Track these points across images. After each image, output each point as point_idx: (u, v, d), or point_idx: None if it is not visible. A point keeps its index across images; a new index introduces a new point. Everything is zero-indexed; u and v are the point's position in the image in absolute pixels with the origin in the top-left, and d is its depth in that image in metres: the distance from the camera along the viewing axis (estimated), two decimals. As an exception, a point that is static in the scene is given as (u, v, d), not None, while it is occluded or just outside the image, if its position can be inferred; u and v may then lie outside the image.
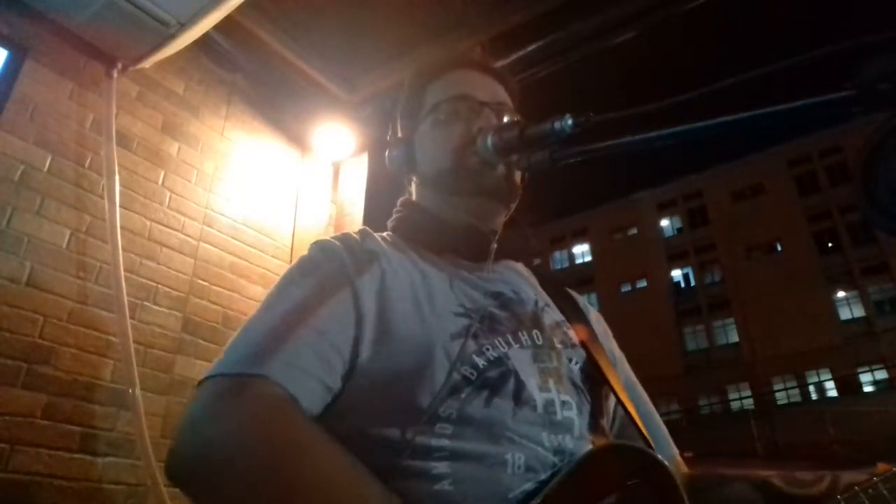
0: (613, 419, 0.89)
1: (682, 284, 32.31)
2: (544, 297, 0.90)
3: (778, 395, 25.21)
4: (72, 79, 2.04)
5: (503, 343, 0.76)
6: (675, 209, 33.75)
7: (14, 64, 1.90)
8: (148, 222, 2.14)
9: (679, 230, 33.37)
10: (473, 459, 0.66)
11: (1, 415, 1.64)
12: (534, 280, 0.95)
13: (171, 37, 1.99)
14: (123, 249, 2.00)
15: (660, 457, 0.69)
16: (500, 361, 0.73)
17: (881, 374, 23.40)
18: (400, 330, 0.72)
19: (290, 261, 2.57)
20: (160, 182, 2.22)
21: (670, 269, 32.69)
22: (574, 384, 0.80)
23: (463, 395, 0.69)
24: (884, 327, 24.99)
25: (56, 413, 1.75)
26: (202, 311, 2.23)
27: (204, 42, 2.21)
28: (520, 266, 0.95)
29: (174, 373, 2.08)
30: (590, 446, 0.75)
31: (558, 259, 36.87)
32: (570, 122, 0.70)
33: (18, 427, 1.67)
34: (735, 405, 26.51)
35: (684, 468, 0.86)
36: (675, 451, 0.88)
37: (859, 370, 23.97)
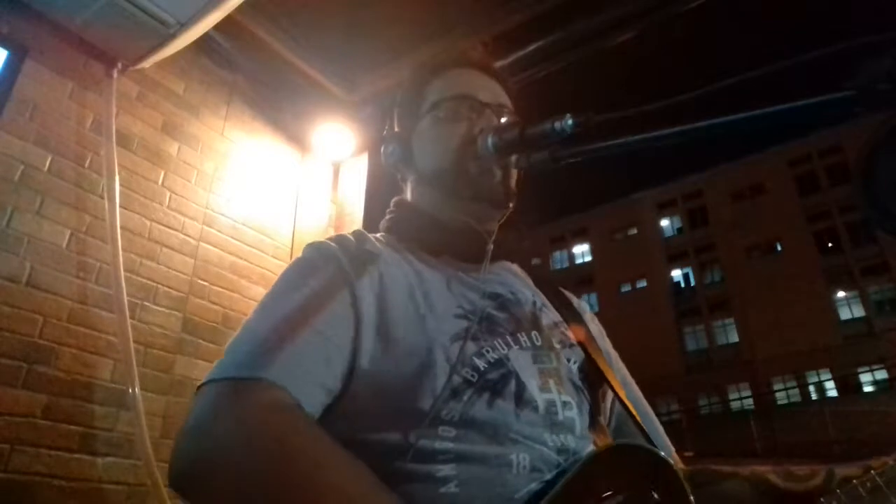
0: (610, 417, 0.89)
1: (682, 284, 32.31)
2: (541, 298, 0.90)
3: (778, 395, 25.21)
4: (72, 79, 2.04)
5: (503, 344, 0.76)
6: (675, 209, 33.74)
7: (14, 64, 1.90)
8: (148, 222, 2.14)
9: (679, 230, 33.37)
10: (478, 461, 0.66)
11: (1, 415, 1.64)
12: (529, 280, 0.95)
13: (171, 37, 1.99)
14: (123, 249, 2.00)
15: (665, 455, 0.69)
16: (500, 363, 0.73)
17: (881, 374, 23.39)
18: (399, 332, 0.71)
19: (290, 261, 2.56)
20: (160, 182, 2.22)
21: (670, 269, 32.68)
22: (574, 384, 0.80)
23: (465, 398, 0.69)
24: (884, 327, 24.99)
25: (56, 413, 1.75)
26: (202, 311, 2.23)
27: (204, 42, 2.21)
28: (515, 266, 0.95)
29: (174, 373, 2.08)
30: (591, 445, 0.75)
31: (558, 259, 36.86)
32: (570, 121, 0.70)
33: (18, 427, 1.67)
34: (735, 405, 26.50)
35: (681, 464, 0.86)
36: (672, 448, 0.88)
37: (859, 370, 23.98)
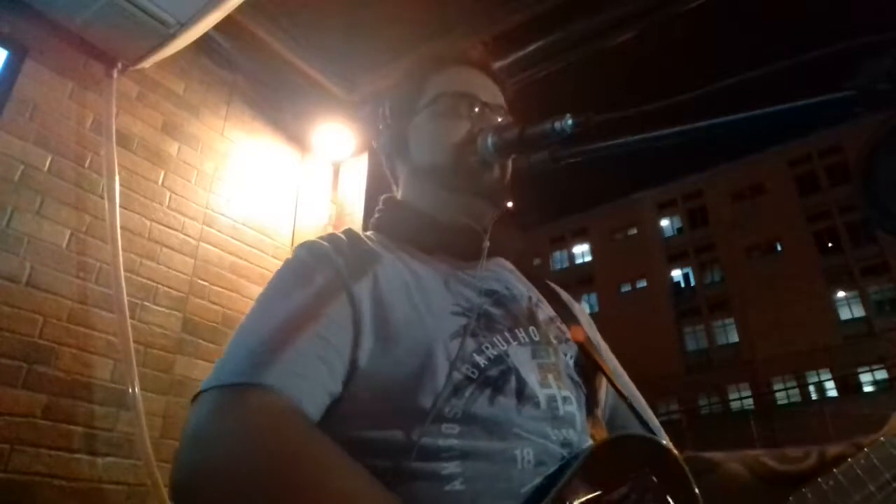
0: (605, 409, 0.90)
1: (682, 284, 32.32)
2: (536, 294, 0.91)
3: (778, 395, 25.22)
4: (72, 79, 2.04)
5: (502, 341, 0.76)
6: (675, 209, 33.75)
7: (14, 64, 1.90)
8: (148, 222, 2.14)
9: (679, 230, 33.37)
10: (483, 457, 0.66)
11: (1, 415, 1.64)
12: (522, 276, 0.94)
13: (171, 37, 1.99)
14: (123, 249, 2.00)
15: (667, 443, 0.70)
16: (500, 359, 0.73)
17: (881, 374, 23.40)
18: (398, 331, 0.71)
19: (290, 261, 2.56)
20: (160, 182, 2.22)
21: (670, 269, 32.69)
22: (572, 379, 0.80)
23: (466, 394, 0.69)
24: (884, 327, 24.99)
25: (56, 413, 1.75)
26: (202, 311, 2.23)
27: (204, 42, 2.21)
28: (508, 263, 0.94)
29: (174, 373, 2.08)
30: (590, 439, 0.76)
31: (558, 259, 36.88)
32: (570, 121, 0.70)
33: (18, 427, 1.67)
34: (735, 405, 26.51)
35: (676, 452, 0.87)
36: (666, 437, 0.89)
37: (859, 370, 23.98)
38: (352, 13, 2.44)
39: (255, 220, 2.54)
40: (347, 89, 2.77)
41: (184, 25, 1.96)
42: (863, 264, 26.75)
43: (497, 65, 1.00)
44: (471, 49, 0.97)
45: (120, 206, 2.02)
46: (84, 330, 1.88)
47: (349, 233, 0.84)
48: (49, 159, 1.92)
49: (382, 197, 0.96)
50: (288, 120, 2.80)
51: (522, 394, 0.72)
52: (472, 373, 0.71)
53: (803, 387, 25.57)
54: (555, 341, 0.82)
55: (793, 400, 24.83)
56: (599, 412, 0.85)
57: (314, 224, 2.76)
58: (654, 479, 0.67)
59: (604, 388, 0.88)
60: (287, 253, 2.62)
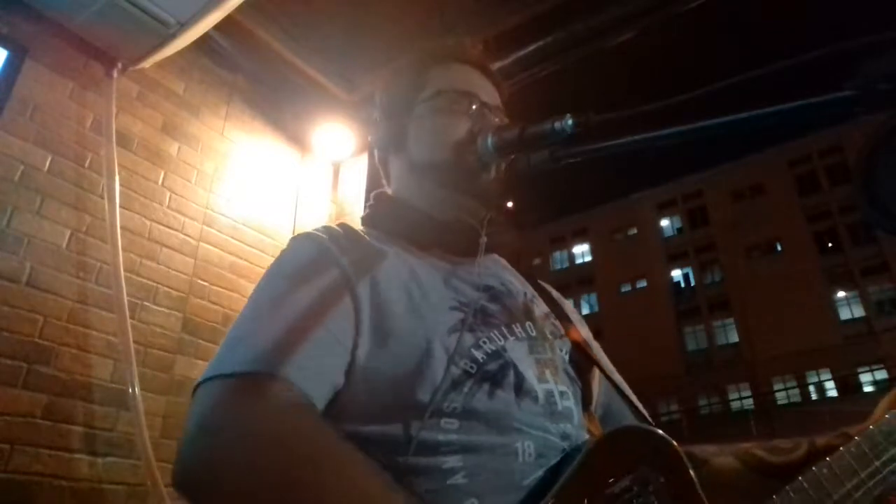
0: (597, 405, 0.91)
1: (682, 284, 32.33)
2: (530, 290, 0.91)
3: (778, 395, 25.23)
4: (72, 79, 2.04)
5: (499, 336, 0.76)
6: (675, 209, 33.76)
7: (14, 64, 1.90)
8: (148, 222, 2.14)
9: (679, 230, 33.38)
10: (484, 451, 0.66)
11: (1, 415, 1.64)
12: (516, 272, 0.95)
13: (171, 37, 1.99)
14: (123, 249, 2.00)
15: (666, 435, 0.71)
16: (497, 354, 0.73)
17: (881, 374, 23.40)
18: (396, 325, 0.71)
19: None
20: (160, 182, 2.22)
21: (670, 269, 32.70)
22: (568, 374, 0.81)
23: (465, 389, 0.69)
24: (884, 327, 24.99)
25: (56, 413, 1.75)
26: (202, 311, 2.23)
27: (204, 42, 2.21)
28: (503, 260, 0.95)
29: (174, 373, 2.08)
30: (586, 434, 0.77)
31: (558, 259, 36.89)
32: (570, 122, 0.70)
33: (18, 427, 1.67)
34: (735, 405, 26.52)
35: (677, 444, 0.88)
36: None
37: (859, 370, 23.98)
38: (352, 13, 2.44)
39: (255, 220, 2.54)
40: (347, 89, 2.78)
41: (184, 25, 1.95)
42: (863, 264, 26.76)
43: (497, 65, 1.01)
44: (470, 48, 0.97)
45: (120, 206, 2.02)
46: (84, 330, 1.88)
47: (345, 227, 0.83)
48: (49, 159, 1.92)
49: (374, 192, 0.95)
50: (288, 120, 2.80)
51: (521, 389, 0.72)
52: (471, 367, 0.71)
53: (803, 387, 25.59)
54: (551, 337, 0.83)
55: (793, 400, 24.85)
56: (593, 407, 0.86)
57: (314, 224, 2.75)
58: (656, 471, 0.67)
59: (597, 383, 0.89)
60: (287, 253, 2.62)
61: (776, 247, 29.52)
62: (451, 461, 0.65)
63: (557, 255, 36.95)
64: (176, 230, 2.22)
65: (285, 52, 2.52)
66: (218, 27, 2.07)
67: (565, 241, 36.78)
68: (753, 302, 28.17)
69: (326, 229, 0.80)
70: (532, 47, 2.37)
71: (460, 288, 0.79)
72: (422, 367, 0.68)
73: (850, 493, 0.74)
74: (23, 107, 1.89)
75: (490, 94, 0.92)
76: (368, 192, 2.75)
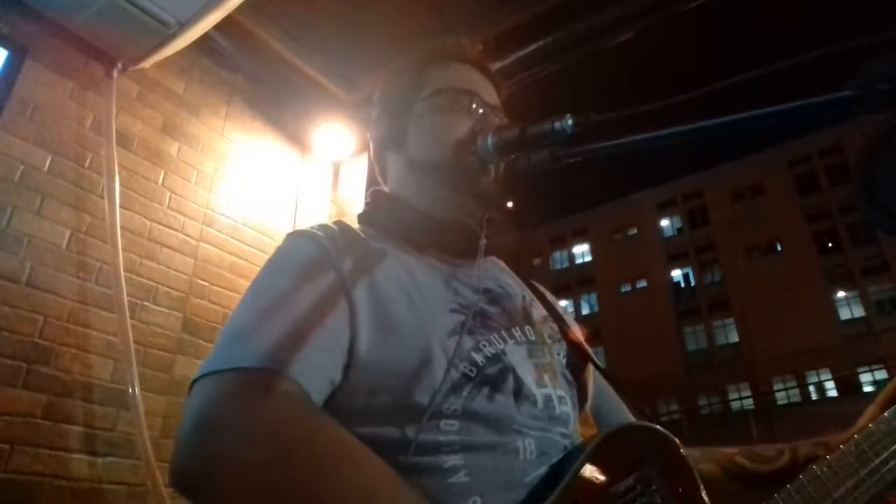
0: (590, 405, 0.91)
1: (682, 284, 32.32)
2: (528, 293, 0.91)
3: (778, 395, 25.23)
4: (72, 79, 2.04)
5: (499, 339, 0.75)
6: (675, 209, 33.76)
7: (14, 64, 1.90)
8: (148, 222, 2.14)
9: (679, 230, 33.38)
10: (485, 449, 0.66)
11: (1, 415, 1.64)
12: (514, 275, 0.94)
13: (171, 37, 1.99)
14: (123, 249, 2.00)
15: (666, 431, 0.71)
16: (497, 358, 0.73)
17: (881, 374, 23.39)
18: (396, 324, 0.70)
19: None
20: (160, 182, 2.22)
21: (670, 269, 32.70)
22: (566, 378, 0.81)
23: (465, 392, 0.69)
24: (884, 327, 24.99)
25: (56, 413, 1.75)
26: (202, 311, 2.23)
27: (204, 42, 2.21)
28: (500, 262, 0.94)
29: (174, 373, 2.08)
30: (580, 438, 0.77)
31: (558, 259, 36.89)
32: (570, 121, 0.70)
33: (18, 427, 1.67)
34: (735, 405, 26.52)
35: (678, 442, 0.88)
36: None
37: (859, 370, 23.98)
38: (352, 13, 2.44)
39: (255, 220, 2.54)
40: (347, 89, 2.77)
41: (184, 25, 1.95)
42: (863, 264, 26.76)
43: (497, 65, 1.01)
44: (470, 48, 0.97)
45: (120, 206, 2.02)
46: (84, 330, 1.88)
47: (342, 225, 0.82)
48: (49, 159, 1.92)
49: (370, 190, 0.95)
50: (288, 120, 2.80)
51: (520, 393, 0.72)
52: (471, 371, 0.70)
53: (803, 387, 25.59)
54: (549, 341, 0.83)
55: (793, 400, 24.85)
56: (587, 407, 0.87)
57: (314, 224, 2.76)
58: (659, 470, 0.68)
59: (591, 384, 0.89)
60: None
61: (776, 247, 29.53)
62: (453, 460, 0.65)
63: (557, 255, 36.94)
64: (176, 230, 2.22)
65: (285, 52, 2.52)
66: (218, 27, 2.07)
67: (565, 241, 36.77)
68: (753, 302, 28.18)
69: (323, 227, 0.79)
70: (532, 47, 2.37)
71: (460, 289, 0.79)
72: (422, 368, 0.68)
73: (851, 492, 0.75)
74: (23, 107, 1.89)
75: (490, 93, 0.92)
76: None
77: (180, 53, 2.13)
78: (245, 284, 2.39)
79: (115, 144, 2.05)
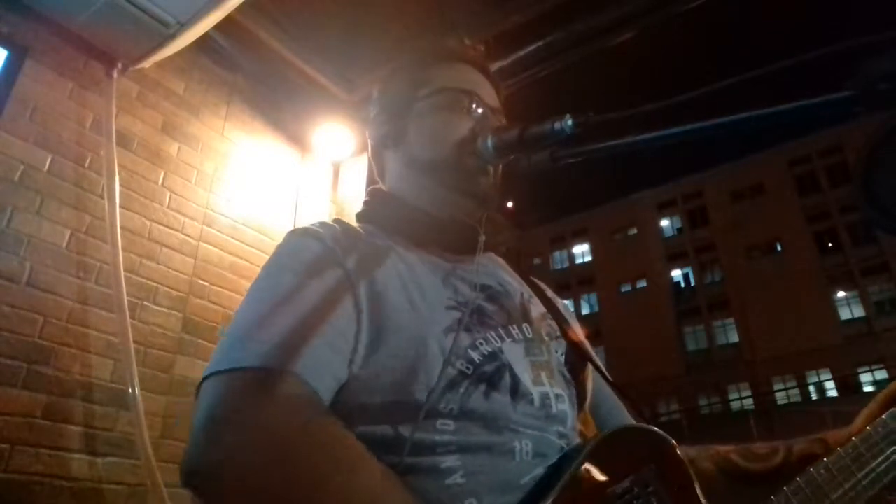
0: (589, 404, 0.91)
1: (682, 284, 32.32)
2: (527, 290, 0.91)
3: (778, 395, 25.23)
4: (72, 79, 2.04)
5: (496, 337, 0.75)
6: (675, 209, 33.75)
7: (14, 64, 1.90)
8: (148, 222, 2.14)
9: (679, 230, 33.38)
10: (482, 450, 0.66)
11: (1, 415, 1.64)
12: (513, 272, 0.94)
13: (171, 37, 1.99)
14: (123, 249, 2.00)
15: (667, 435, 0.71)
16: (494, 356, 0.73)
17: (881, 374, 23.40)
18: (394, 323, 0.70)
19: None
20: (160, 182, 2.22)
21: (670, 269, 32.69)
22: (563, 376, 0.81)
23: (461, 390, 0.68)
24: (884, 327, 25.00)
25: (56, 413, 1.75)
26: (202, 311, 2.23)
27: (204, 42, 2.21)
28: (500, 259, 0.94)
29: (174, 373, 2.08)
30: (578, 437, 0.77)
31: (558, 259, 36.88)
32: (570, 122, 0.70)
33: (18, 427, 1.67)
34: (735, 405, 26.51)
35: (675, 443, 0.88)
36: None
37: (859, 370, 23.99)
38: (352, 13, 2.44)
39: (255, 220, 2.54)
40: (347, 89, 2.77)
41: (184, 25, 1.95)
42: (863, 264, 26.76)
43: (497, 65, 1.01)
44: (470, 48, 0.97)
45: (120, 206, 2.02)
46: (84, 330, 1.88)
47: (342, 223, 0.82)
48: (49, 159, 1.92)
49: (369, 188, 0.95)
50: (288, 120, 2.80)
51: (517, 391, 0.72)
52: (467, 368, 0.70)
53: (803, 387, 25.59)
54: (547, 338, 0.83)
55: (793, 400, 24.84)
56: (586, 406, 0.87)
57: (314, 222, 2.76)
58: (656, 472, 0.68)
59: (590, 382, 0.89)
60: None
61: (776, 247, 29.53)
62: (449, 461, 0.65)
63: (557, 255, 36.94)
64: (176, 230, 2.22)
65: (285, 52, 2.52)
66: (218, 27, 2.07)
67: (565, 241, 36.77)
68: (753, 302, 28.18)
69: (324, 225, 0.79)
70: (532, 47, 2.37)
71: (458, 286, 0.79)
72: (418, 365, 0.68)
73: (847, 494, 0.75)
74: (23, 107, 1.89)
75: (490, 95, 0.92)
76: (368, 192, 2.76)
77: (180, 53, 2.13)
78: (245, 284, 2.40)
79: (115, 144, 2.05)
